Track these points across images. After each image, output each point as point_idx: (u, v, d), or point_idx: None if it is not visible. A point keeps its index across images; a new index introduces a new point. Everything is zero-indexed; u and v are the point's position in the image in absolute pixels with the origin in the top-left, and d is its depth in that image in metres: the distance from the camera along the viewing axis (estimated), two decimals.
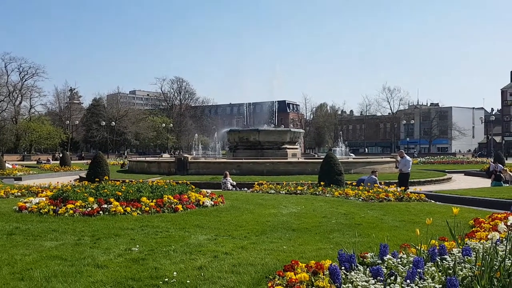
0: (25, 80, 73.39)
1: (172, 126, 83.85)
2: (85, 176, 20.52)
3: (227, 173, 18.62)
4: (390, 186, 14.67)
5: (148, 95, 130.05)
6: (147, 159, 34.73)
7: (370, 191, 12.97)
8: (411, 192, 12.94)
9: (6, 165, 30.04)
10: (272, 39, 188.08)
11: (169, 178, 19.92)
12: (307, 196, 13.12)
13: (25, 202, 9.93)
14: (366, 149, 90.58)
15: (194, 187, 12.36)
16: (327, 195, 13.27)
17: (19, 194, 13.06)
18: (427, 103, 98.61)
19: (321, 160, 17.35)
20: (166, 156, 36.88)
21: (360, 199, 12.04)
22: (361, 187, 14.11)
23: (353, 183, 15.45)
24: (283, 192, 14.32)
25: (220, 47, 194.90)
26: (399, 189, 13.68)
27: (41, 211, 9.19)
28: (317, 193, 13.71)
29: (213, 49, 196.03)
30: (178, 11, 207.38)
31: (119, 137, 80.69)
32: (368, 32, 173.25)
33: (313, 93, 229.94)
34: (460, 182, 22.49)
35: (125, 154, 69.71)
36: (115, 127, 75.25)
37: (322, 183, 15.02)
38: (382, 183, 16.23)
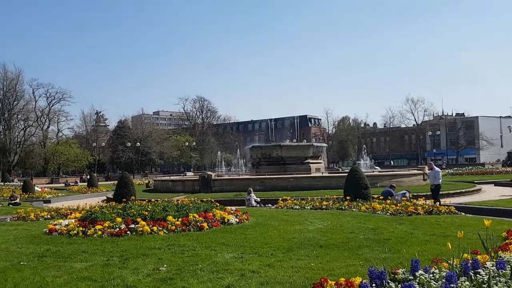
0: (52, 105, 76.04)
1: (195, 144, 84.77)
2: (112, 197, 20.86)
3: (251, 189, 18.62)
4: (419, 199, 14.38)
5: (171, 115, 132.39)
6: (172, 178, 35.07)
7: (398, 204, 12.73)
8: (440, 205, 12.63)
9: (36, 188, 30.84)
10: (292, 53, 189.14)
11: (193, 196, 20.07)
12: (332, 211, 12.97)
13: (54, 224, 10.11)
14: (392, 162, 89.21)
15: (218, 204, 12.36)
16: (354, 209, 13.06)
17: (48, 216, 13.31)
18: (452, 113, 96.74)
19: (346, 174, 17.18)
20: (190, 175, 37.15)
21: (388, 213, 11.80)
22: (388, 201, 13.87)
23: (380, 197, 15.22)
24: (308, 207, 14.20)
25: (241, 65, 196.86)
26: (428, 201, 13.39)
27: (70, 232, 9.32)
28: (343, 208, 13.51)
29: (234, 67, 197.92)
30: (198, 31, 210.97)
31: (144, 157, 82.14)
32: (389, 44, 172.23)
33: (334, 106, 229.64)
34: (490, 193, 21.94)
35: (146, 174, 70.72)
36: (140, 148, 76.68)
37: (347, 197, 14.81)
38: (410, 196, 15.93)
